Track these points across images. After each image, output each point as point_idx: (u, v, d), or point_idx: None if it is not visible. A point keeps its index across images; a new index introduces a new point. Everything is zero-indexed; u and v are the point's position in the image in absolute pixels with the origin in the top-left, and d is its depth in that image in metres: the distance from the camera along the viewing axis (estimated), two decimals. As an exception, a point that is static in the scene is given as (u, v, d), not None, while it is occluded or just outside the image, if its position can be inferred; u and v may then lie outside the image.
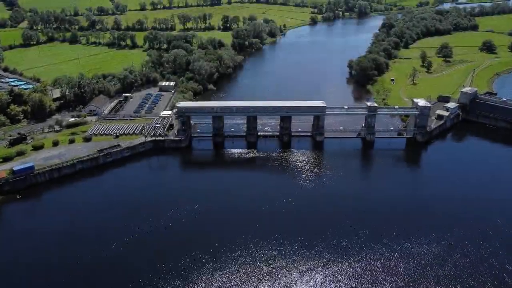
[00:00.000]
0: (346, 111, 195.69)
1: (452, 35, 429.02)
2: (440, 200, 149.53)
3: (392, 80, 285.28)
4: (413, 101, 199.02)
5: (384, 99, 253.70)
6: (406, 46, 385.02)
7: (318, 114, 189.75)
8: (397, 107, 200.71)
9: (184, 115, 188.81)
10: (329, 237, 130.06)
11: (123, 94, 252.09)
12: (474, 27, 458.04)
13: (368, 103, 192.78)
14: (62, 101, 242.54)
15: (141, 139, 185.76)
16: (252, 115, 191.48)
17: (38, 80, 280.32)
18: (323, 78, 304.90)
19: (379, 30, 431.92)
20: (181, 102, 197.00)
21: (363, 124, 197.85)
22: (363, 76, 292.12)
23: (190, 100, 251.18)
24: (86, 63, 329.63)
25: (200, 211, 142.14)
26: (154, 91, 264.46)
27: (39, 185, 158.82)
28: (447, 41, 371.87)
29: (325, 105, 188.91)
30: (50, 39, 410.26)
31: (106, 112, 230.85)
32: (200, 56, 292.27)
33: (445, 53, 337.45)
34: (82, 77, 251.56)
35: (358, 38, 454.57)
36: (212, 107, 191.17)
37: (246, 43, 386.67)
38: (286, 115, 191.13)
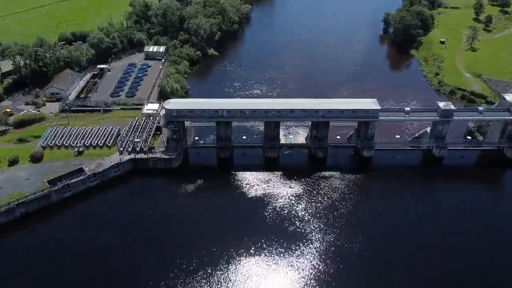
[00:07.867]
0: (409, 114, 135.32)
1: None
2: None
3: (442, 42, 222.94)
4: (501, 96, 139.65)
5: (437, 74, 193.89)
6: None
7: (368, 120, 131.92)
8: (481, 108, 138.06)
9: (176, 121, 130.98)
10: None
11: (98, 66, 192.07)
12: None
13: (441, 104, 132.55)
14: (15, 77, 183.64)
15: (115, 157, 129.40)
16: (273, 121, 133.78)
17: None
18: (349, 35, 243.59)
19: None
20: (171, 101, 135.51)
21: (426, 130, 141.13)
22: (404, 37, 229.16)
23: (185, 72, 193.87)
24: (55, 12, 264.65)
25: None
26: (138, 59, 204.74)
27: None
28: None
29: (379, 107, 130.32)
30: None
31: (73, 94, 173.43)
32: (197, 10, 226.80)
33: (503, 1, 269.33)
34: (41, 44, 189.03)
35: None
36: (217, 110, 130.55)
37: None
38: (321, 121, 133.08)
